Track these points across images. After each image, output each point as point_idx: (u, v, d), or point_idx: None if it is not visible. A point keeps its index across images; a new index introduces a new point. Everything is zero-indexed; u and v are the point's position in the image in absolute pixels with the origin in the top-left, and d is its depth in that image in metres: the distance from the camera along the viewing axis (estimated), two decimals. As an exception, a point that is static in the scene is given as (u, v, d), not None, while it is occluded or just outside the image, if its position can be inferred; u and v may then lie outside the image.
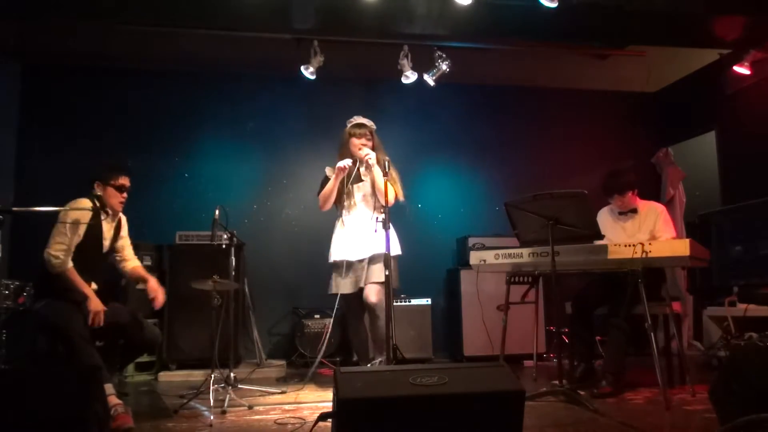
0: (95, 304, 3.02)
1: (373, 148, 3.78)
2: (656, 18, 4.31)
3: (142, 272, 3.44)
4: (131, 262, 3.48)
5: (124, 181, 3.30)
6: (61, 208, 3.00)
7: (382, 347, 3.59)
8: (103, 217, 3.22)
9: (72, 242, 3.07)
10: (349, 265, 3.72)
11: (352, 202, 3.82)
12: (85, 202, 3.10)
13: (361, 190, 3.82)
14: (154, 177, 5.21)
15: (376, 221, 3.40)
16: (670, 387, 3.50)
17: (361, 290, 3.68)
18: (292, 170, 5.54)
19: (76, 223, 3.08)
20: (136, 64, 5.31)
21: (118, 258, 3.46)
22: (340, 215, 3.87)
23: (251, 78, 5.52)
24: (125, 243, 3.48)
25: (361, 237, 3.68)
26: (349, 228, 3.78)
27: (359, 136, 3.78)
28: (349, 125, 3.87)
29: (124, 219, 3.47)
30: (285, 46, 4.81)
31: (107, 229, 3.30)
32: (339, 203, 3.85)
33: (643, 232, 3.79)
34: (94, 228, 3.18)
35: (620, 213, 3.93)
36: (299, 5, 4.17)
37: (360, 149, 3.75)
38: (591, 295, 3.86)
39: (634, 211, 3.86)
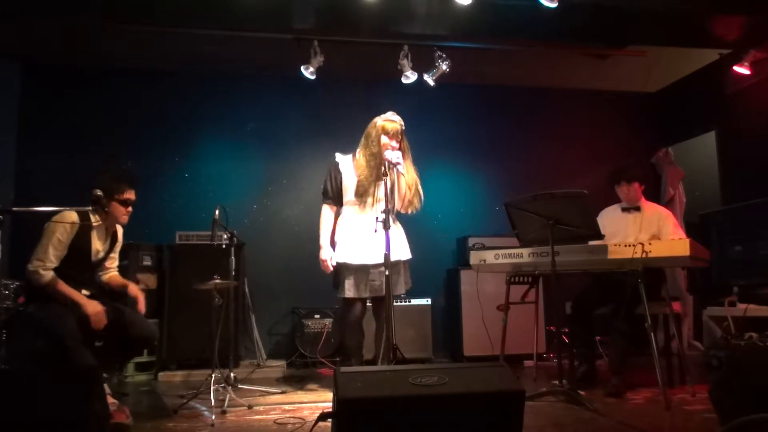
0: (91, 307, 2.96)
1: (401, 151, 3.53)
2: (656, 18, 4.31)
3: (120, 279, 3.35)
4: (109, 272, 3.39)
5: (130, 195, 3.17)
6: (58, 209, 2.91)
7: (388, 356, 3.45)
8: (95, 225, 3.14)
9: (52, 256, 3.00)
10: (365, 270, 3.54)
11: (372, 201, 3.56)
12: (70, 216, 3.02)
13: (382, 189, 3.47)
14: (154, 177, 5.21)
15: (376, 221, 3.22)
16: (670, 387, 3.51)
17: (366, 298, 3.60)
18: (292, 170, 5.53)
19: (58, 239, 3.01)
20: (136, 64, 5.30)
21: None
22: (352, 211, 3.62)
23: (251, 78, 5.52)
24: (114, 255, 3.41)
25: (379, 240, 3.32)
26: (365, 227, 3.50)
27: (392, 137, 3.52)
28: (382, 119, 3.59)
29: (120, 232, 3.38)
30: (285, 46, 4.80)
31: (98, 237, 3.21)
32: (360, 197, 3.57)
33: (644, 232, 3.80)
34: (81, 238, 3.10)
35: (623, 210, 3.95)
36: (299, 5, 4.18)
37: (388, 149, 3.48)
38: (591, 296, 3.87)
39: (638, 209, 3.88)
